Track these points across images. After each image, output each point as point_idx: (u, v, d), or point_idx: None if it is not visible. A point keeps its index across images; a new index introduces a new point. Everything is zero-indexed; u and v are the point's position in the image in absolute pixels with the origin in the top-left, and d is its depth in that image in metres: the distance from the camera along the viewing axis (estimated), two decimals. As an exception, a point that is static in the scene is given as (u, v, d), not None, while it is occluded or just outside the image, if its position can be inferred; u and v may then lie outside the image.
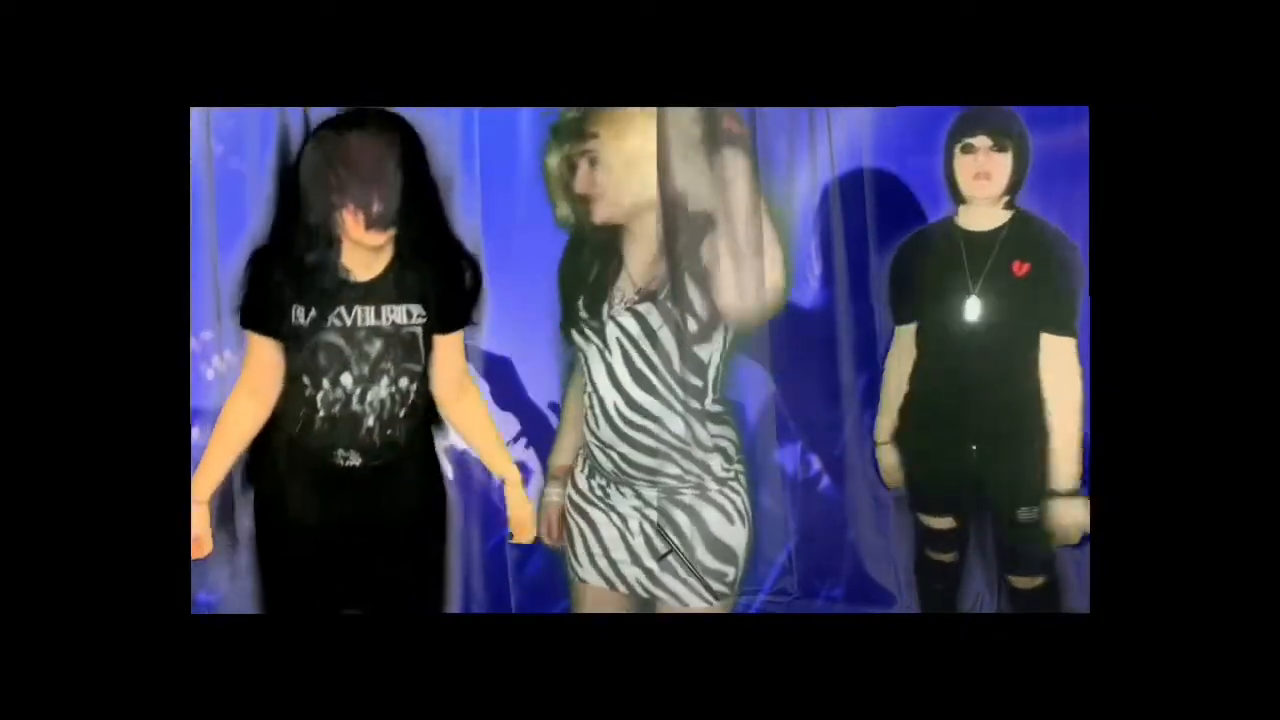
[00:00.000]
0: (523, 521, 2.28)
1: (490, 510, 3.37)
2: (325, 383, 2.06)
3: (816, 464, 3.75)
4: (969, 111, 2.62)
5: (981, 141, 2.56)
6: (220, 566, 2.92)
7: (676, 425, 1.97)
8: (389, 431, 2.11)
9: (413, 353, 2.10)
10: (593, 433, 2.03)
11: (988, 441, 2.65)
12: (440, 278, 2.11)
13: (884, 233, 3.40)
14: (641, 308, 1.95)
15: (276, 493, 2.14)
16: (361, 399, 2.07)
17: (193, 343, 3.08)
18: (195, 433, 2.36)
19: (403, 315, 2.08)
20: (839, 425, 3.63)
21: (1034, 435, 2.60)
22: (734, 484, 2.03)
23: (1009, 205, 2.61)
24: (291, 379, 2.08)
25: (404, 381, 2.10)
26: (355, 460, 2.11)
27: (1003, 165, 2.56)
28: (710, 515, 2.00)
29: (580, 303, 2.03)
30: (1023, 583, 2.72)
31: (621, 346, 1.97)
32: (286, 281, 2.00)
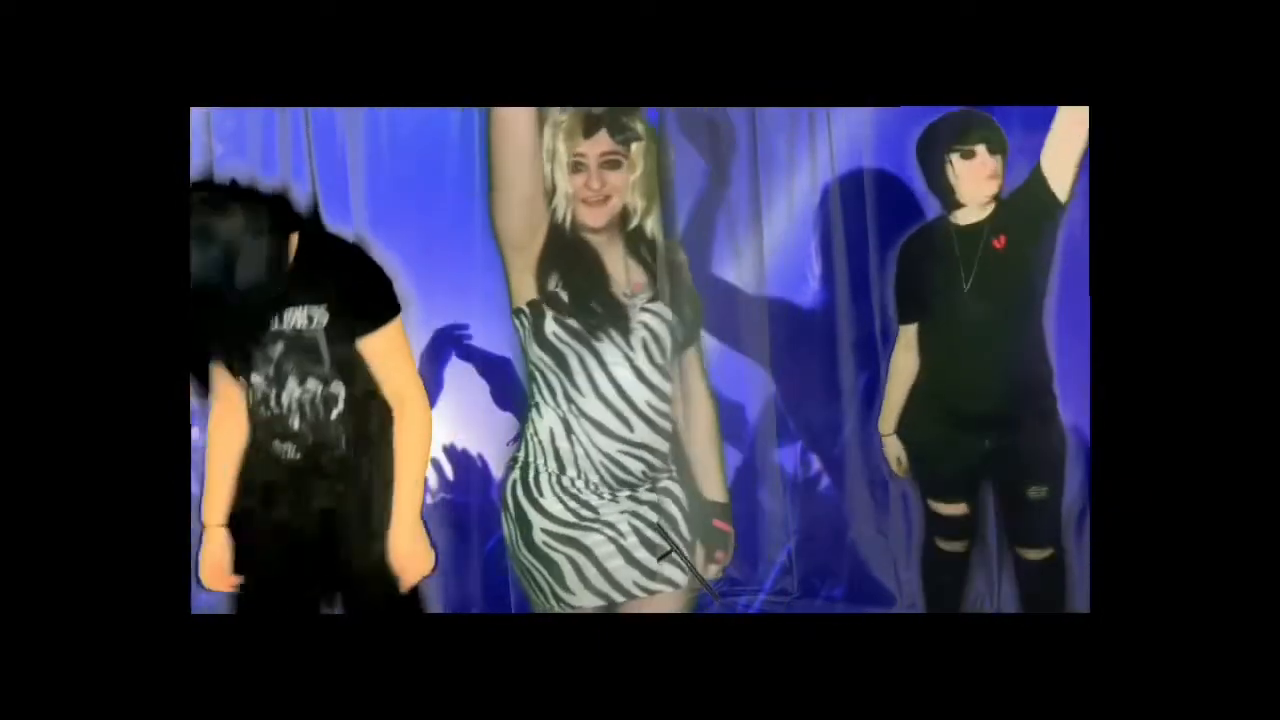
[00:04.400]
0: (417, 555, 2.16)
1: (489, 510, 3.37)
2: (243, 379, 2.14)
3: (816, 464, 3.75)
4: (951, 118, 2.72)
5: (980, 147, 2.68)
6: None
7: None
8: (323, 433, 2.13)
9: (315, 357, 2.09)
10: (624, 440, 1.97)
11: (999, 428, 2.73)
12: (341, 279, 2.10)
13: (884, 233, 3.41)
14: (654, 306, 2.01)
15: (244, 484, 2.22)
16: (278, 400, 2.12)
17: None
18: (195, 433, 2.35)
19: (303, 319, 2.08)
20: (839, 425, 3.63)
21: (1046, 415, 2.73)
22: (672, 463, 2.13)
23: (996, 199, 2.74)
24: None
25: (312, 384, 2.10)
26: (293, 454, 2.14)
27: (1001, 165, 2.71)
28: (688, 488, 2.11)
29: (582, 304, 1.96)
30: (1032, 554, 2.81)
31: (645, 346, 2.00)
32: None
